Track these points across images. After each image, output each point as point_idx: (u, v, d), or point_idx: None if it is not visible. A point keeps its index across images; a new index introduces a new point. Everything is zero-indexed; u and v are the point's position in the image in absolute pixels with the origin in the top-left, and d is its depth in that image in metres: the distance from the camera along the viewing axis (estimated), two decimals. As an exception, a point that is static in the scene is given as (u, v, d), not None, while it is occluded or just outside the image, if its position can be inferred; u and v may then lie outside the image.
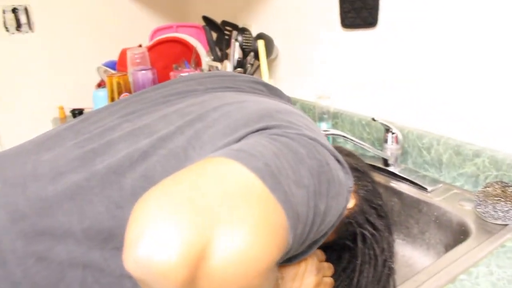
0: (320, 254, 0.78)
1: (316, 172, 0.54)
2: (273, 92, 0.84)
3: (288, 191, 0.47)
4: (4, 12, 1.72)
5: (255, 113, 0.61)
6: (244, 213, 0.41)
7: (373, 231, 0.80)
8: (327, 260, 0.79)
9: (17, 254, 0.51)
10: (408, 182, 1.07)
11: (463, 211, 0.93)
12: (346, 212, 0.80)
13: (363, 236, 0.80)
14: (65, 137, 0.66)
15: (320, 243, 0.62)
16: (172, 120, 0.63)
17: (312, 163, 0.54)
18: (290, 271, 0.70)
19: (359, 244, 0.81)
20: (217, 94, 0.74)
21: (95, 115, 0.73)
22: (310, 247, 0.61)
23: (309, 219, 0.51)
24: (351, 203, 0.81)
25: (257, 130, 0.57)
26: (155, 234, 0.37)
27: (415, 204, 1.03)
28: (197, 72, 1.57)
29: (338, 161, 0.61)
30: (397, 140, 1.10)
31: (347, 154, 0.88)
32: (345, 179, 0.61)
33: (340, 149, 0.89)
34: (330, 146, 0.61)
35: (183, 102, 0.70)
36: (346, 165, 0.62)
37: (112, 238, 0.53)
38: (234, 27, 1.66)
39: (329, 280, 0.76)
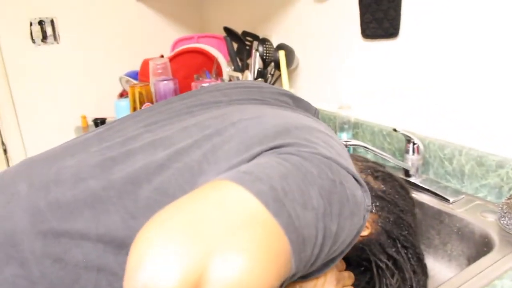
0: (340, 264, 0.77)
1: (328, 192, 0.53)
2: (299, 104, 0.84)
3: (293, 214, 0.47)
4: (31, 24, 1.77)
5: (272, 129, 0.61)
6: (242, 239, 0.41)
7: (388, 263, 0.79)
8: (348, 269, 0.78)
9: (36, 255, 0.53)
10: (429, 193, 1.06)
11: (486, 222, 0.92)
12: (360, 239, 0.79)
13: (378, 265, 0.80)
14: (89, 144, 0.69)
15: (337, 261, 0.62)
16: (191, 133, 0.64)
17: (324, 184, 0.53)
18: (309, 283, 0.70)
19: (375, 271, 0.80)
20: (239, 107, 0.74)
21: (121, 124, 0.75)
22: (326, 265, 0.61)
23: (318, 241, 0.51)
24: (366, 232, 0.80)
25: (271, 148, 0.57)
26: (153, 263, 0.38)
27: (437, 215, 1.02)
28: (223, 82, 1.58)
29: (356, 179, 0.60)
30: (418, 151, 1.10)
31: (379, 176, 0.84)
32: (363, 197, 0.60)
33: (375, 169, 0.86)
34: (347, 164, 0.59)
35: (205, 114, 0.71)
36: (364, 183, 0.61)
37: (126, 245, 0.54)
38: (255, 37, 1.68)
39: None
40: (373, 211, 0.80)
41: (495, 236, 0.88)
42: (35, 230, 0.55)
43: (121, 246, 0.54)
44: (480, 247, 0.92)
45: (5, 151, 1.83)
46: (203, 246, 0.39)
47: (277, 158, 0.54)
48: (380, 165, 0.89)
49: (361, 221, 0.60)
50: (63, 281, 0.53)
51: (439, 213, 1.01)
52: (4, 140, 1.81)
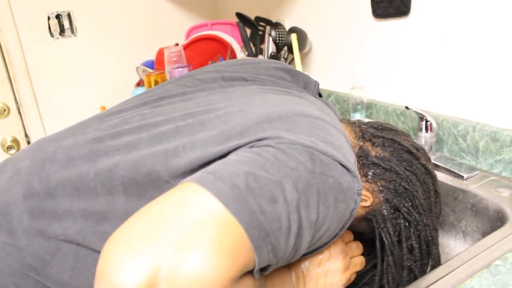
0: (347, 236, 0.77)
1: (304, 184, 0.53)
2: (297, 77, 0.83)
3: (257, 210, 0.48)
4: (49, 18, 1.81)
5: (254, 119, 0.61)
6: (196, 238, 0.44)
7: (388, 236, 0.77)
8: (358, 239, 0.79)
9: (23, 225, 0.59)
10: (443, 170, 1.06)
11: (500, 198, 0.92)
12: (366, 209, 0.78)
13: (381, 236, 0.78)
14: (89, 125, 0.73)
15: (329, 243, 0.64)
16: (175, 119, 0.66)
17: (300, 176, 0.53)
18: (314, 259, 0.70)
19: (377, 243, 0.78)
20: (228, 90, 0.75)
21: (121, 106, 0.79)
22: (321, 247, 0.63)
23: (292, 232, 0.52)
24: (368, 202, 0.77)
25: (249, 142, 0.58)
26: (114, 269, 0.42)
27: (451, 192, 1.01)
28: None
29: (343, 165, 0.59)
30: (431, 128, 1.09)
31: (377, 142, 0.79)
32: (352, 182, 0.60)
33: (373, 134, 0.80)
34: (333, 151, 0.58)
35: (193, 99, 0.73)
36: (352, 168, 0.60)
37: (104, 220, 0.58)
38: (268, 22, 1.68)
39: (358, 260, 0.76)
40: (370, 180, 0.77)
41: (509, 211, 0.87)
42: (26, 203, 0.60)
43: (100, 221, 0.58)
44: (494, 222, 0.92)
45: (28, 143, 1.88)
46: (158, 248, 0.43)
47: (251, 153, 0.54)
48: (388, 129, 0.83)
49: (351, 205, 0.60)
50: (45, 250, 0.58)
51: (453, 189, 1.01)
52: (27, 132, 1.86)
